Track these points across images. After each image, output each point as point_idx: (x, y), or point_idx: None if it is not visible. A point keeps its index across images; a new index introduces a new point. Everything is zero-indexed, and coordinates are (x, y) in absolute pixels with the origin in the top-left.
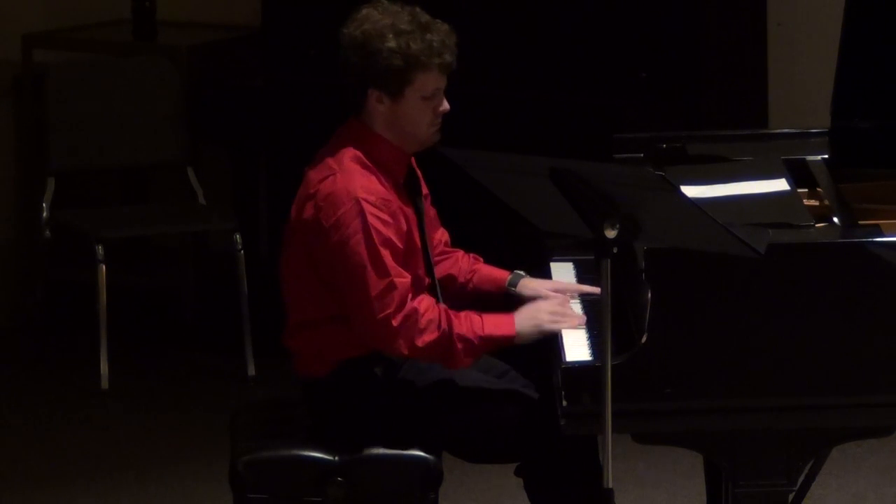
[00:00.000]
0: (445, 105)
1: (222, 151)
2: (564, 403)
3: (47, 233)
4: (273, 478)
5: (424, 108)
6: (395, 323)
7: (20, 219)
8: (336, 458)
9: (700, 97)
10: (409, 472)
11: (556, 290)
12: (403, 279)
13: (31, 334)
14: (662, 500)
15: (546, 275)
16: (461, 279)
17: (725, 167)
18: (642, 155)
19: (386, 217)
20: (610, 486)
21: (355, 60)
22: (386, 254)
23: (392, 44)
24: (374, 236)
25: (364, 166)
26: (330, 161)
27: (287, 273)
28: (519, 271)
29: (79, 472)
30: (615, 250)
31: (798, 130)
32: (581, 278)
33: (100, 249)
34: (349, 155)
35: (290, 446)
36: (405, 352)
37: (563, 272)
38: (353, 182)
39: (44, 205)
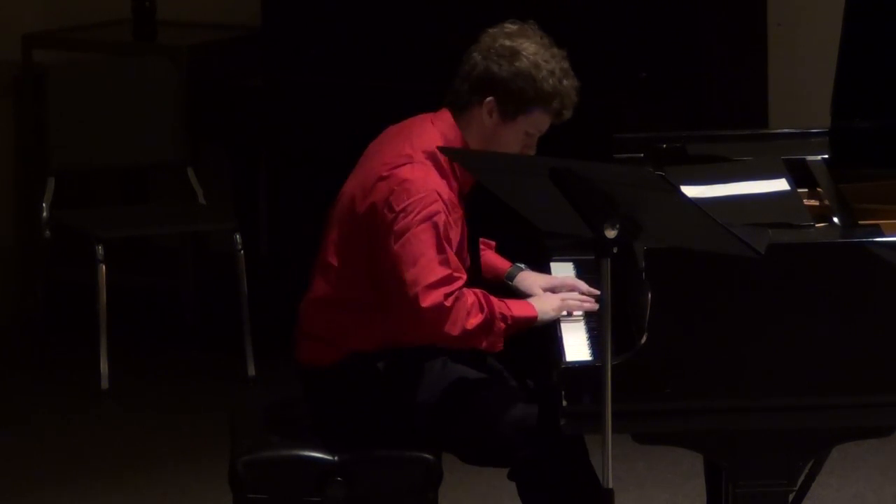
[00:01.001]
0: (533, 151)
1: (222, 151)
2: (564, 403)
3: (47, 233)
4: (273, 478)
5: (520, 142)
6: (447, 304)
7: (20, 219)
8: (336, 458)
9: (700, 97)
10: (409, 472)
11: (553, 286)
12: (462, 275)
13: (31, 334)
14: (662, 500)
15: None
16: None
17: (725, 167)
18: (642, 155)
19: (451, 220)
20: (610, 486)
21: (492, 66)
22: (447, 249)
23: (534, 71)
24: (441, 231)
25: (438, 167)
26: (408, 149)
27: (331, 250)
28: (519, 264)
29: (79, 472)
30: (615, 250)
31: (798, 130)
32: (581, 278)
33: (100, 249)
34: (427, 150)
35: (290, 446)
36: (455, 334)
37: (563, 272)
38: (430, 176)
39: (44, 205)
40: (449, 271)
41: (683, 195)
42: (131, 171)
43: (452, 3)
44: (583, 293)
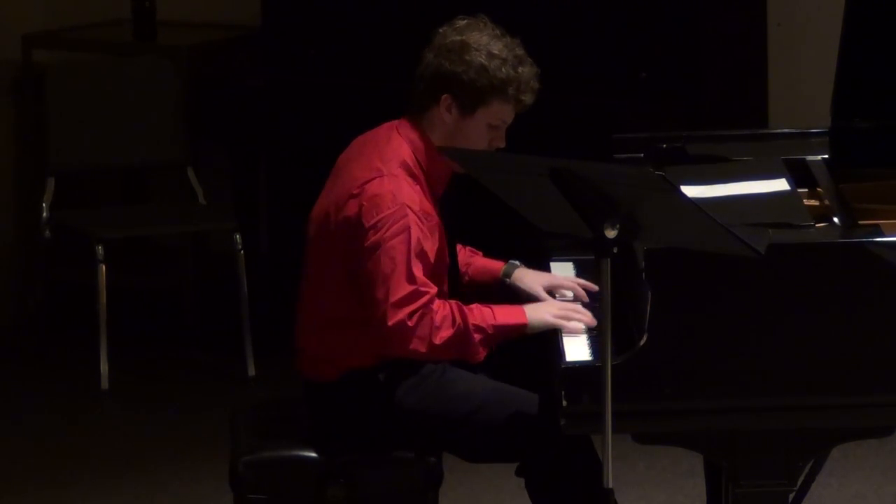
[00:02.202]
0: (502, 142)
1: (222, 151)
2: (564, 403)
3: (47, 233)
4: (273, 478)
5: (485, 135)
6: (410, 324)
7: (20, 219)
8: (336, 458)
9: (700, 97)
10: (409, 472)
11: (553, 285)
12: (429, 290)
13: (31, 334)
14: (662, 500)
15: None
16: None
17: (725, 167)
18: (642, 155)
19: (426, 230)
20: (610, 486)
21: (444, 63)
22: (417, 264)
23: (485, 61)
24: (413, 245)
25: (410, 174)
26: (377, 162)
27: (313, 271)
28: (514, 261)
29: (79, 472)
30: (615, 250)
31: (798, 130)
32: (581, 278)
33: (100, 249)
34: (397, 160)
35: (290, 446)
36: (423, 350)
37: (562, 272)
38: (401, 188)
39: (44, 205)
40: (414, 287)
41: (683, 195)
42: (131, 171)
43: (452, 4)
44: (584, 300)
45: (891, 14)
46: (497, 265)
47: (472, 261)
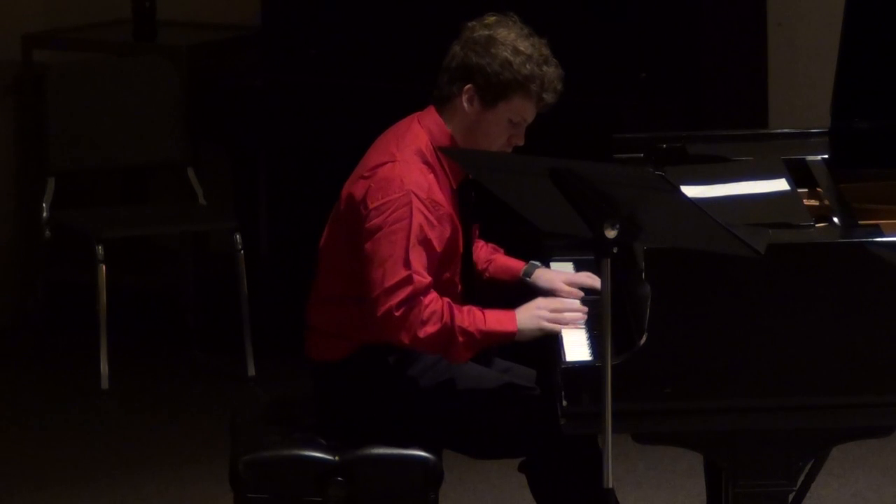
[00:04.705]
0: (521, 140)
1: (222, 151)
2: (564, 403)
3: (47, 233)
4: (273, 478)
5: (504, 130)
6: (398, 314)
7: (20, 219)
8: (336, 458)
9: (700, 97)
10: (409, 471)
11: (572, 283)
12: (423, 279)
13: (31, 334)
14: (662, 500)
15: None
16: (478, 267)
17: (725, 167)
18: (642, 155)
19: (432, 218)
20: (610, 486)
21: (469, 54)
22: (417, 252)
23: (510, 56)
24: (414, 232)
25: (425, 162)
26: (392, 148)
27: (326, 248)
28: (534, 262)
29: (79, 472)
30: (615, 250)
31: (798, 130)
32: None
33: (100, 249)
34: (413, 147)
35: (290, 446)
36: (406, 341)
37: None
38: (410, 175)
39: (44, 205)
40: (408, 272)
41: (683, 195)
42: (131, 171)
43: (452, 4)
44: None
45: (891, 14)
46: (518, 264)
47: (494, 258)
